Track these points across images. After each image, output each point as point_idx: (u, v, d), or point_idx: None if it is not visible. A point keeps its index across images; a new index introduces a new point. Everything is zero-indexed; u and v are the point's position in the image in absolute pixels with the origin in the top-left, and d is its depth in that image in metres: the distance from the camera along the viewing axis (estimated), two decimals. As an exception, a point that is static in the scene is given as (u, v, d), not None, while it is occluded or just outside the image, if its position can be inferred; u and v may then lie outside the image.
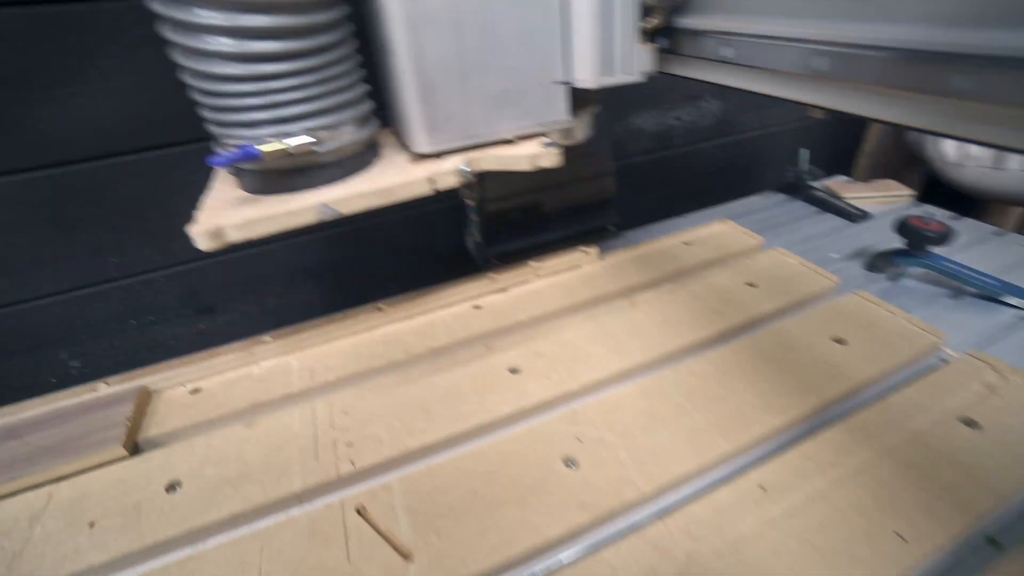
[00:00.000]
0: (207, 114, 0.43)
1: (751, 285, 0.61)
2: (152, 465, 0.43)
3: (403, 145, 0.52)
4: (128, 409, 0.47)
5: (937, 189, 0.92)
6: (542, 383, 0.48)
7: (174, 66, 0.40)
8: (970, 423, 0.41)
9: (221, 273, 0.69)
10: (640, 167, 0.94)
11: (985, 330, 0.54)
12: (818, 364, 0.48)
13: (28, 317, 0.64)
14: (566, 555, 0.36)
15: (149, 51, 0.54)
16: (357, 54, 0.47)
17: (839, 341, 0.51)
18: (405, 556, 0.35)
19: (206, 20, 0.36)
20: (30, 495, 0.41)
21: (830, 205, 0.80)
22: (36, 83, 0.53)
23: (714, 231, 0.73)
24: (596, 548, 0.35)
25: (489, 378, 0.49)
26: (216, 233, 0.41)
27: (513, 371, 0.50)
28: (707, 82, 0.42)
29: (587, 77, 0.46)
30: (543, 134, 0.49)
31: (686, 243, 0.70)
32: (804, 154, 0.84)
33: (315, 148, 0.42)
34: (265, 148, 0.40)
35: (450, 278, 0.72)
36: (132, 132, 0.58)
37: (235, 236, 0.41)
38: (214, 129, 0.44)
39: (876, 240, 0.72)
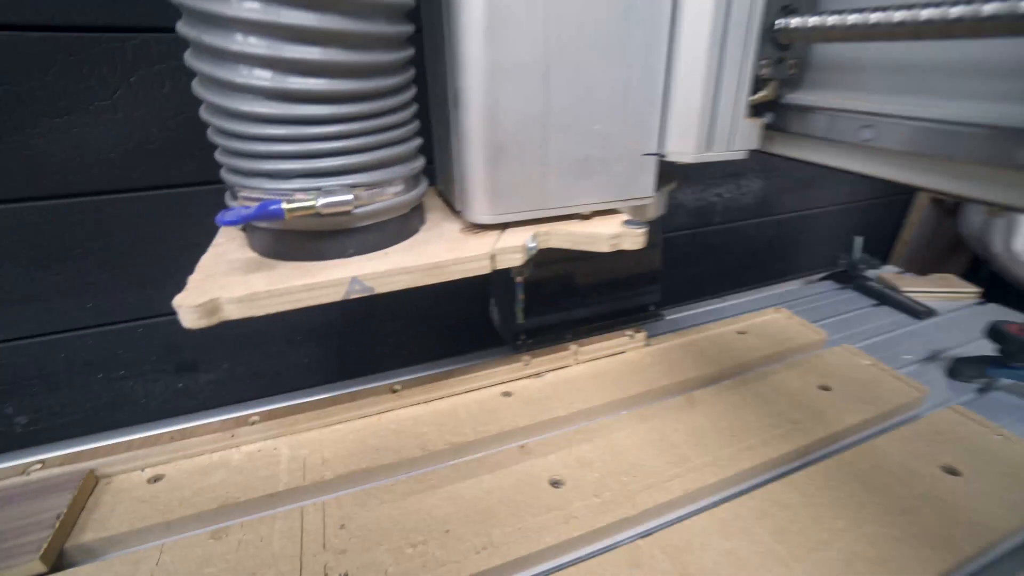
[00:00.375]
0: (224, 159, 0.35)
1: (825, 389, 0.52)
2: (80, 588, 0.33)
3: (453, 210, 0.45)
4: (64, 501, 0.37)
5: (998, 287, 0.85)
6: (592, 504, 0.38)
7: (186, 103, 0.34)
8: None
9: (206, 328, 0.60)
10: (676, 242, 0.88)
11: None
12: (934, 501, 0.39)
13: (-23, 362, 0.55)
14: None
15: (166, 84, 0.49)
16: (414, 102, 0.39)
17: (951, 471, 0.42)
18: None
19: (245, 48, 0.30)
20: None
21: (889, 298, 0.74)
22: (38, 110, 0.47)
23: (768, 320, 0.65)
24: None
25: (526, 492, 0.40)
26: (210, 309, 0.32)
27: (555, 484, 0.40)
28: (818, 164, 0.36)
29: (684, 150, 0.39)
30: (618, 211, 0.43)
31: (740, 332, 0.62)
32: (858, 242, 0.78)
33: (351, 209, 0.34)
34: (288, 207, 0.32)
35: (470, 352, 0.63)
36: (135, 168, 0.52)
37: (234, 314, 0.33)
38: (229, 177, 0.36)
39: (949, 341, 0.65)
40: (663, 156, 0.41)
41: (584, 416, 0.48)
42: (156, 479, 0.41)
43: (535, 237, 0.39)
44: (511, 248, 0.38)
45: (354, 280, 0.34)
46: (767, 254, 1.00)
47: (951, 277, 0.79)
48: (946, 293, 0.75)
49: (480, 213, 0.39)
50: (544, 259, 0.60)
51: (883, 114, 0.30)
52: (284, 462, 0.42)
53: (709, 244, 0.92)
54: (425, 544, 0.35)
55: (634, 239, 0.39)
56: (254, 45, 0.30)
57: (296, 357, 0.68)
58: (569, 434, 0.46)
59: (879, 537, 0.36)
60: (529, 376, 0.53)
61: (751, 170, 0.89)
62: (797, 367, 0.56)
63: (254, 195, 0.34)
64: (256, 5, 0.29)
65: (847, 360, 0.57)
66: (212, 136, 0.35)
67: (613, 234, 0.38)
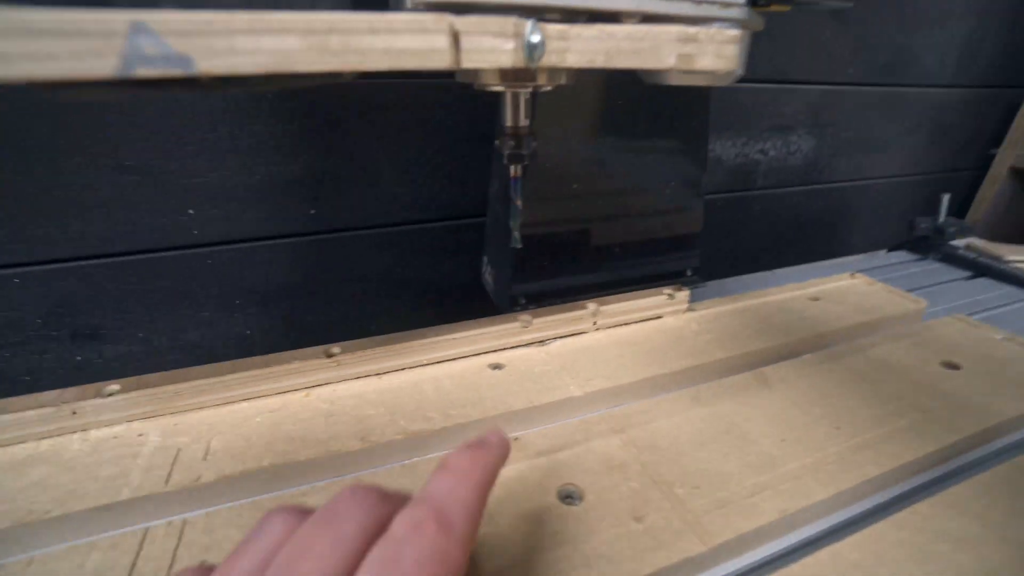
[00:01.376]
0: None
1: (952, 367, 0.36)
2: None
3: None
4: None
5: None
6: (630, 533, 0.23)
7: None
8: None
9: (114, 280, 0.46)
10: (713, 207, 0.73)
11: None
12: None
13: None
14: None
15: None
16: None
17: None
18: None
19: None
20: None
21: (991, 269, 0.58)
22: None
23: (844, 285, 0.50)
24: None
25: (524, 509, 0.24)
26: None
27: (568, 499, 0.25)
28: None
29: None
30: (679, 20, 0.25)
31: (813, 298, 0.47)
32: (945, 200, 0.63)
33: None
34: None
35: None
36: None
37: None
38: None
39: (1090, 318, 0.49)
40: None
41: (609, 398, 0.33)
42: (-55, 478, 0.26)
43: (538, 27, 0.20)
44: (494, 31, 0.19)
45: (138, 29, 0.15)
46: (816, 229, 0.85)
47: (1061, 245, 0.63)
48: (1061, 263, 0.59)
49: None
50: (549, 212, 0.45)
51: None
52: (146, 455, 0.27)
53: (749, 211, 0.77)
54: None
55: (720, 47, 0.23)
56: None
57: (233, 326, 0.53)
58: (588, 422, 0.30)
59: None
60: (529, 343, 0.38)
61: (801, 124, 0.74)
62: (903, 339, 0.40)
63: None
64: None
65: (968, 332, 0.41)
66: None
67: (682, 35, 0.22)
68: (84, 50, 0.14)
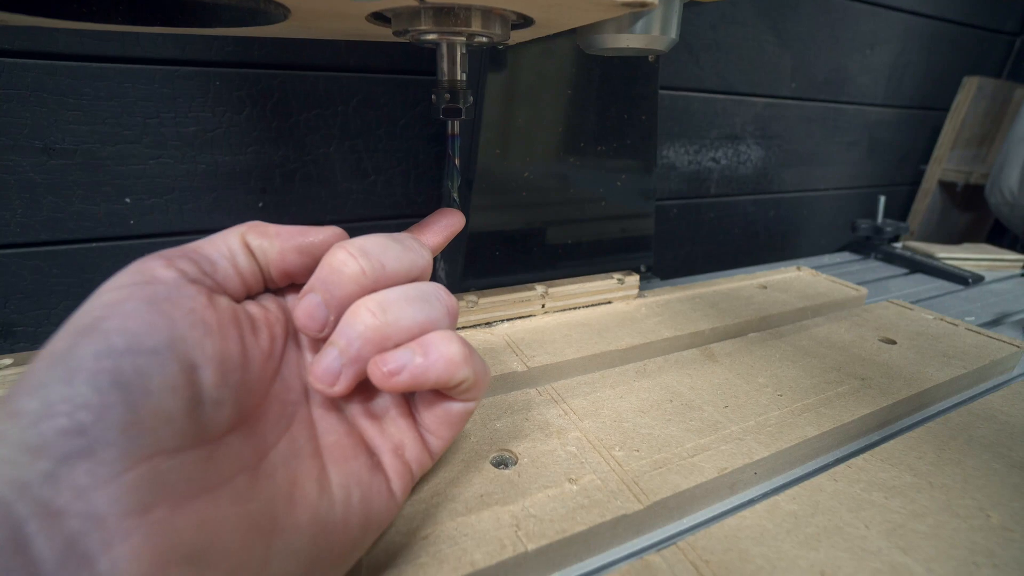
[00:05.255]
0: None
1: (889, 342, 0.37)
2: None
3: None
4: None
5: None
6: (564, 494, 0.22)
7: None
8: None
9: (36, 272, 0.43)
10: (667, 213, 0.74)
11: None
12: (1123, 483, 0.24)
13: None
14: None
15: None
16: None
17: (1120, 440, 0.27)
18: None
19: None
20: None
21: (925, 265, 0.61)
22: None
23: (791, 276, 0.51)
24: None
25: (454, 471, 0.23)
26: None
27: (501, 464, 0.24)
28: None
29: None
30: None
31: (762, 286, 0.48)
32: (882, 201, 0.66)
33: None
34: None
35: None
36: None
37: None
38: None
39: (1012, 305, 0.52)
40: None
41: (553, 373, 0.32)
42: None
43: None
44: None
45: None
46: (765, 236, 0.88)
47: (987, 245, 0.67)
48: (988, 261, 0.62)
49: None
50: (504, 211, 0.45)
51: None
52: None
53: (702, 219, 0.79)
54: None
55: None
56: None
57: None
58: (529, 394, 0.29)
59: (1062, 538, 0.21)
60: (476, 324, 0.37)
61: (750, 135, 0.78)
62: (844, 320, 0.41)
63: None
64: None
65: (904, 314, 0.43)
66: None
67: None
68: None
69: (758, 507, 0.22)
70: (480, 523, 0.20)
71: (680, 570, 0.19)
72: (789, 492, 0.23)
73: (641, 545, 0.22)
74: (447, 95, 0.25)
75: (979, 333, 0.39)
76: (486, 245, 0.42)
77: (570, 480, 0.23)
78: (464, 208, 0.35)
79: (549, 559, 0.20)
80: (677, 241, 0.78)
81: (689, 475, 0.23)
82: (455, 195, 0.29)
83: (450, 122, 0.26)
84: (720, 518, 0.23)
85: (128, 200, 0.45)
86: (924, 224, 0.96)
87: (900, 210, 1.03)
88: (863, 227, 0.65)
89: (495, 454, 0.24)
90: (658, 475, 0.23)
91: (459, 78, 0.25)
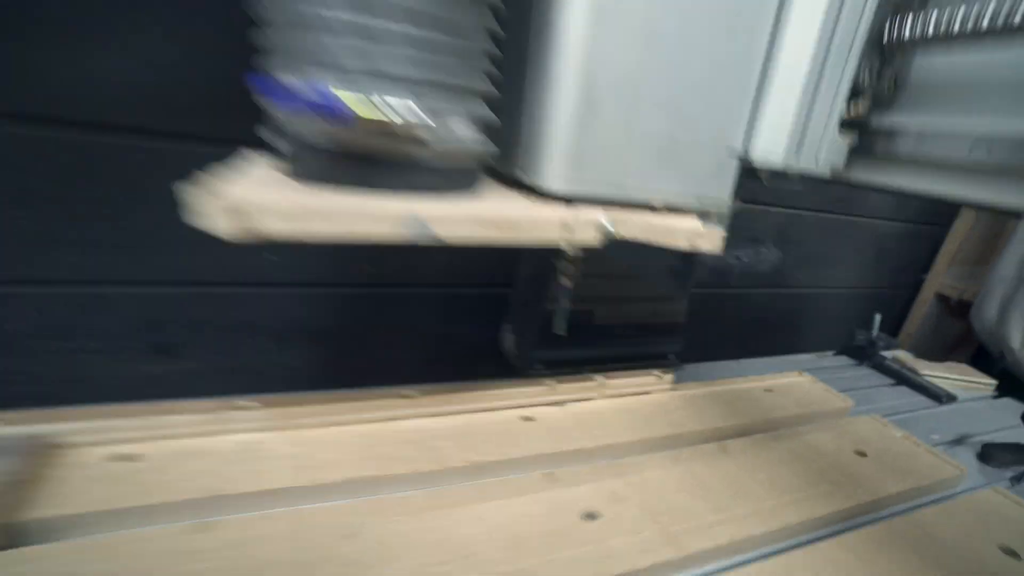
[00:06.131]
0: (273, 33, 0.29)
1: (861, 454, 0.49)
2: (29, 570, 0.28)
3: (513, 179, 0.40)
4: (7, 466, 0.32)
5: (1008, 382, 0.85)
6: (632, 542, 0.34)
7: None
8: None
9: (195, 307, 0.56)
10: (694, 299, 0.87)
11: None
12: (998, 583, 0.36)
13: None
14: None
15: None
16: (494, 39, 0.33)
17: (1010, 552, 0.39)
18: None
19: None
20: None
21: (908, 379, 0.72)
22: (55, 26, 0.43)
23: (792, 382, 0.64)
24: None
25: (557, 521, 0.35)
26: (246, 214, 0.26)
27: (589, 517, 0.36)
28: (907, 190, 0.35)
29: (770, 155, 0.38)
30: (688, 211, 0.40)
31: (767, 390, 0.60)
32: (877, 319, 0.79)
33: (424, 135, 0.29)
34: (360, 108, 0.26)
35: (472, 379, 0.59)
36: (146, 109, 0.48)
37: (278, 226, 0.26)
38: (274, 56, 0.30)
39: (975, 427, 0.63)
40: (747, 159, 0.39)
41: (612, 451, 0.45)
42: (130, 458, 0.36)
43: (614, 221, 0.35)
44: (587, 222, 0.34)
45: (414, 217, 0.29)
46: (777, 326, 1.00)
47: (966, 366, 0.79)
48: (963, 381, 0.74)
49: (554, 178, 0.35)
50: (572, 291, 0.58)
51: (995, 136, 0.29)
52: (280, 458, 0.38)
53: (723, 307, 0.92)
54: (446, 565, 0.31)
55: (712, 239, 0.37)
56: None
57: (284, 357, 0.64)
58: (598, 467, 0.42)
59: (946, 615, 0.32)
60: (551, 403, 0.50)
61: (771, 239, 0.91)
62: (829, 430, 0.53)
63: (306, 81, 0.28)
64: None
65: (878, 430, 0.55)
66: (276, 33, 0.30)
67: (690, 230, 0.37)
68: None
69: (751, 567, 0.34)
70: (575, 561, 0.33)
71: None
72: (773, 559, 0.35)
73: (675, 584, 0.34)
74: (570, 268, 0.38)
75: (934, 455, 0.51)
76: (551, 327, 0.55)
77: (635, 533, 0.35)
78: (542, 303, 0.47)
79: (620, 585, 0.32)
80: (700, 325, 0.90)
81: (708, 539, 0.36)
82: (564, 323, 0.42)
83: (565, 279, 0.40)
84: (726, 570, 0.35)
85: (275, 258, 0.58)
86: (919, 331, 1.08)
87: (899, 312, 1.14)
88: (860, 338, 0.77)
89: (583, 509, 0.37)
90: (690, 537, 0.36)
91: (577, 258, 0.38)
